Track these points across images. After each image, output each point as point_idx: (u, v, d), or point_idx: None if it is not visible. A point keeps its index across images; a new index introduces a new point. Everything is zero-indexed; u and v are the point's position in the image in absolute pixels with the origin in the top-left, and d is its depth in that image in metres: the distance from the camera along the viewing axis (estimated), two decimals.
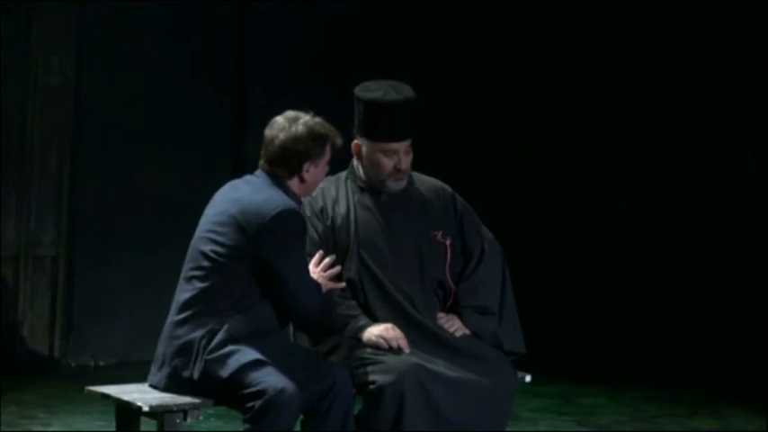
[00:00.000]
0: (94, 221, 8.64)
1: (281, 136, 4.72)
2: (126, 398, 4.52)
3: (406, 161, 5.05)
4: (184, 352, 4.57)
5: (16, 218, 8.37)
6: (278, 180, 4.73)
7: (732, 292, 8.89)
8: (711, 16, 8.96)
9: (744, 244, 8.92)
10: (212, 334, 4.54)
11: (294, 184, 4.75)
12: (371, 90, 5.07)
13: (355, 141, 5.09)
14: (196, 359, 4.54)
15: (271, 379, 4.42)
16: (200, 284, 4.62)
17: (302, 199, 4.92)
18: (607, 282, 9.41)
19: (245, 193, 4.69)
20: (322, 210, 5.03)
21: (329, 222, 5.00)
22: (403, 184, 5.07)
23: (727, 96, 8.93)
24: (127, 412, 4.54)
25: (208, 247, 4.63)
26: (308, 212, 4.98)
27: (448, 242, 5.10)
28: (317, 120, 4.79)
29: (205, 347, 4.53)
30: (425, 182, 5.23)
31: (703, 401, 8.02)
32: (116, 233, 8.66)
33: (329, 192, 5.07)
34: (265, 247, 4.59)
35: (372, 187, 5.08)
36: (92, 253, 8.63)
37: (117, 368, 8.48)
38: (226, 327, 4.54)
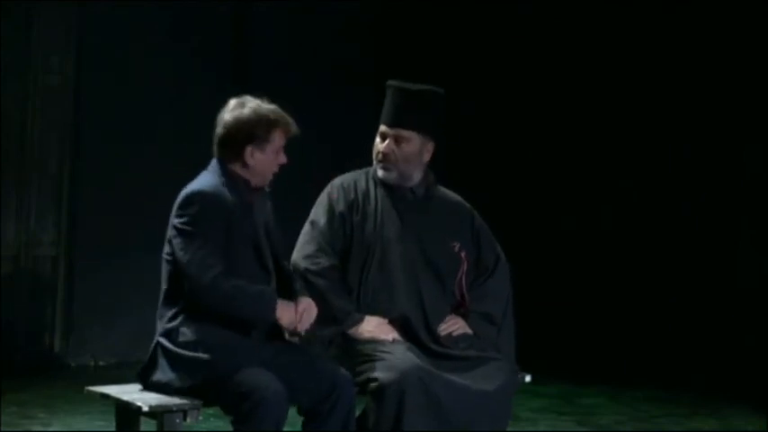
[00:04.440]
0: (94, 221, 8.64)
1: (227, 117, 4.65)
2: (126, 398, 4.51)
3: (391, 149, 5.00)
4: (156, 353, 4.52)
5: (16, 218, 8.38)
6: (221, 164, 4.63)
7: (732, 292, 8.89)
8: (712, 16, 8.96)
9: (744, 244, 8.92)
10: (176, 334, 4.46)
11: (238, 168, 4.62)
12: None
13: None
14: (165, 361, 4.49)
15: (256, 379, 4.33)
16: (164, 287, 4.55)
17: (334, 190, 4.91)
18: (607, 282, 9.42)
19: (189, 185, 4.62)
20: (353, 203, 5.02)
21: (358, 217, 5.00)
22: (390, 176, 5.03)
23: (727, 96, 8.93)
24: (127, 412, 4.54)
25: (165, 251, 4.55)
26: (341, 204, 4.98)
27: (463, 254, 5.09)
28: (268, 105, 4.65)
29: (172, 348, 4.46)
30: (447, 195, 5.23)
31: (703, 401, 8.02)
32: (116, 233, 8.66)
33: (360, 183, 5.07)
34: (170, 231, 4.51)
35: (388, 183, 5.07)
36: (92, 253, 8.63)
37: (117, 368, 8.49)
38: (182, 329, 4.45)
